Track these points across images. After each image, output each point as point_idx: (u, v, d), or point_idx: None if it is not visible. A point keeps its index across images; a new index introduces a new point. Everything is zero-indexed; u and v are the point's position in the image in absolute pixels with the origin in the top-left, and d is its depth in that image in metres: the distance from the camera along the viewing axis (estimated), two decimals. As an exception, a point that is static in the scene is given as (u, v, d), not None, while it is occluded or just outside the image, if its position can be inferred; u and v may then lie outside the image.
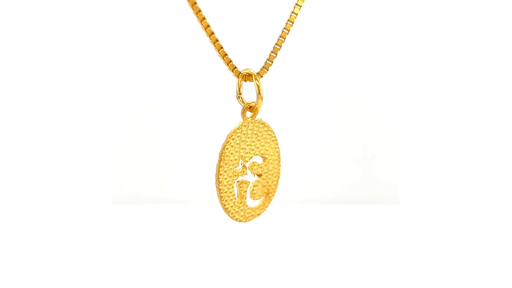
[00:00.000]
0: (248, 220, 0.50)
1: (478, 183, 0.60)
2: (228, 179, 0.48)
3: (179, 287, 0.49)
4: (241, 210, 0.49)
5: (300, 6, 0.47)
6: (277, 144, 0.50)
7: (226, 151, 0.47)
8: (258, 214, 0.50)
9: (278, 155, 0.50)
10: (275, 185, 0.50)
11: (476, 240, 0.55)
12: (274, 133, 0.49)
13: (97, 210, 0.64)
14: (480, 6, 0.59)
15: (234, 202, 0.49)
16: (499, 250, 0.53)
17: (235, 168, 0.48)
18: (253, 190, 0.49)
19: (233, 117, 0.50)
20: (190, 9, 0.44)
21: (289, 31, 0.46)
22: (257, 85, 0.46)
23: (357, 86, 0.65)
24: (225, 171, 0.47)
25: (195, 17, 0.44)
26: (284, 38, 0.47)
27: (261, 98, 0.47)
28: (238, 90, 0.47)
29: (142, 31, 0.64)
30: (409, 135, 0.63)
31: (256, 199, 0.50)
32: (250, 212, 0.50)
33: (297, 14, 0.46)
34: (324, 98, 0.65)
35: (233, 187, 0.48)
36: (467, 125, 0.61)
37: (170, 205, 0.66)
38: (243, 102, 0.47)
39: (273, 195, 0.51)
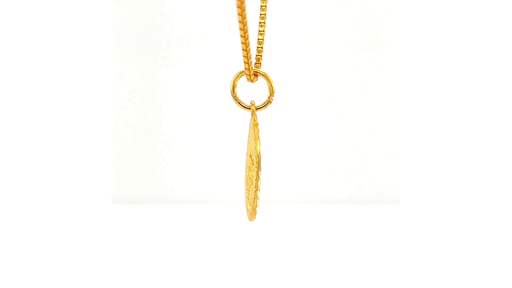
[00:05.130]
0: (248, 205, 0.46)
1: (478, 183, 0.60)
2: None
3: (180, 287, 0.49)
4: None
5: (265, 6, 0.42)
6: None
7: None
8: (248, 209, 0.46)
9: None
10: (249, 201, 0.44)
11: (476, 240, 0.55)
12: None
13: (98, 210, 0.64)
14: (482, 6, 0.59)
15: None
16: (499, 250, 0.53)
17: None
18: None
19: (233, 117, 0.50)
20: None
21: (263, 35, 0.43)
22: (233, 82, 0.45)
23: (358, 86, 0.65)
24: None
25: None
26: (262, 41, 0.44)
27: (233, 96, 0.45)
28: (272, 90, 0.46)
29: (142, 31, 0.64)
30: (409, 135, 0.63)
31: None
32: (251, 202, 0.46)
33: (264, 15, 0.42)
34: (324, 98, 0.65)
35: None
36: (467, 125, 0.61)
37: (170, 205, 0.66)
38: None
39: (250, 214, 0.44)
